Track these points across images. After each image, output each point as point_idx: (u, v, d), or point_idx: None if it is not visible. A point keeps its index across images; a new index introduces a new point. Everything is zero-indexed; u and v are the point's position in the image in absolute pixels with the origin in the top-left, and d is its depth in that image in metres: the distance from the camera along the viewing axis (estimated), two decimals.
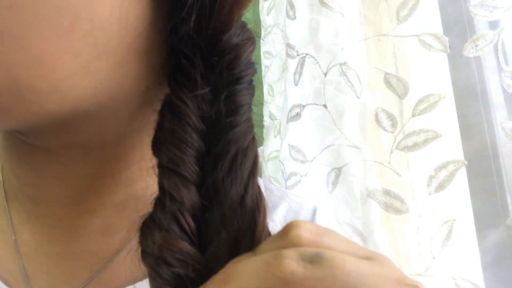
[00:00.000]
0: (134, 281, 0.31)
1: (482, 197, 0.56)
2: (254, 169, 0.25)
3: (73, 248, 0.32)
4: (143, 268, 0.32)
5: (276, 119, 1.02)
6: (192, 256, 0.23)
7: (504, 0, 0.56)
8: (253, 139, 0.26)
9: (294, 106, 0.72)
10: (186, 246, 0.23)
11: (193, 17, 0.26)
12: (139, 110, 0.30)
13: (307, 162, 0.69)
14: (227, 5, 0.26)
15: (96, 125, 0.28)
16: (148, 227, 0.24)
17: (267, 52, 1.06)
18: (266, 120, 1.08)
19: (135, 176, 0.32)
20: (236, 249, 0.22)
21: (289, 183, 0.72)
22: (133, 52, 0.26)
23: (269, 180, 0.97)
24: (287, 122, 0.73)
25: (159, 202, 0.24)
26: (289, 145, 0.72)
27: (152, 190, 0.33)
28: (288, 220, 0.25)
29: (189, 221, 0.23)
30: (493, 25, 0.60)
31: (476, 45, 0.59)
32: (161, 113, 0.27)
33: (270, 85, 1.05)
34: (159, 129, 0.26)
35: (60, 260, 0.32)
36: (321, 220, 0.37)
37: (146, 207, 0.32)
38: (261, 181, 0.30)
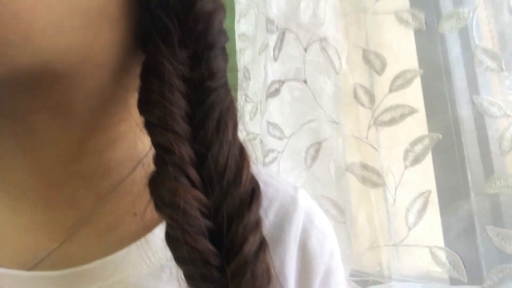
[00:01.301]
0: (103, 253, 0.31)
1: (448, 171, 0.58)
2: (236, 127, 0.28)
3: (38, 218, 0.31)
4: (110, 241, 0.32)
5: (252, 101, 1.02)
6: (204, 204, 0.25)
7: None
8: (232, 100, 0.29)
9: (273, 82, 0.71)
10: (199, 194, 0.25)
11: None
12: (111, 76, 0.29)
13: (285, 138, 0.69)
14: None
15: (64, 88, 0.27)
16: (158, 181, 0.25)
17: (242, 35, 1.05)
18: (241, 103, 1.07)
19: (102, 145, 0.32)
20: (229, 193, 0.26)
21: (267, 159, 0.72)
22: (106, 15, 0.26)
23: None
24: (266, 99, 0.73)
25: (160, 158, 0.26)
26: (267, 121, 0.72)
27: (120, 160, 0.33)
28: (267, 195, 0.31)
29: (193, 172, 0.25)
30: (457, 3, 0.62)
31: (451, 22, 0.60)
32: (143, 77, 0.28)
33: (245, 68, 1.04)
34: (145, 91, 0.27)
35: (25, 231, 0.31)
36: (302, 198, 0.37)
37: (112, 177, 0.33)
38: None
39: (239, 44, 1.07)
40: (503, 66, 0.55)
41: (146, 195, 0.26)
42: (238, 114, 0.30)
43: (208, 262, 0.25)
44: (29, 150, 0.30)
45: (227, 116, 0.27)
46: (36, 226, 0.32)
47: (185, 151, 0.26)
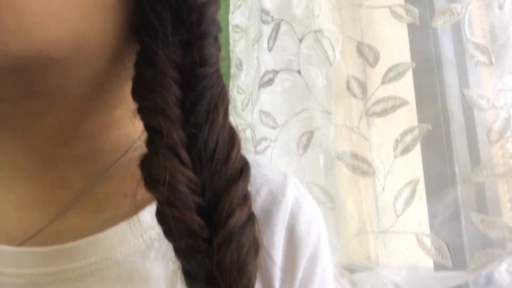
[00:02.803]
0: (92, 231, 0.31)
1: (436, 160, 0.60)
2: (227, 111, 0.29)
3: (30, 197, 0.32)
4: (99, 220, 0.33)
5: (244, 92, 1.02)
6: (193, 181, 0.26)
7: None
8: (223, 86, 0.30)
9: (267, 72, 0.72)
10: (188, 171, 0.26)
11: None
12: (106, 65, 0.30)
13: (277, 127, 0.70)
14: None
15: (58, 75, 0.28)
16: (149, 160, 0.26)
17: (236, 26, 1.06)
18: (234, 93, 1.07)
19: (95, 130, 0.33)
20: (217, 171, 0.27)
21: (259, 148, 0.72)
22: (101, 5, 0.26)
23: None
24: (259, 88, 0.73)
25: (152, 140, 0.27)
26: (260, 110, 0.73)
27: (112, 144, 0.34)
28: (256, 181, 0.33)
29: (184, 154, 0.27)
30: None
31: (444, 17, 0.62)
32: (137, 65, 0.29)
33: (238, 59, 1.04)
34: (138, 78, 0.28)
35: (15, 209, 0.32)
36: (291, 183, 0.38)
37: (104, 160, 0.34)
38: None
39: (232, 35, 1.07)
40: (493, 60, 0.57)
41: (137, 177, 0.27)
42: (230, 101, 0.31)
43: (195, 233, 0.26)
44: (23, 132, 0.31)
45: (218, 100, 0.28)
46: (28, 204, 0.32)
47: (176, 133, 0.27)
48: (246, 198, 0.28)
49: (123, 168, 0.34)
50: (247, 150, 0.94)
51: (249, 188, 0.29)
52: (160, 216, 0.26)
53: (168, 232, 0.26)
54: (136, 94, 0.28)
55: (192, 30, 0.29)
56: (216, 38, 0.31)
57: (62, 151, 0.32)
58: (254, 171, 0.36)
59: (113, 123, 0.34)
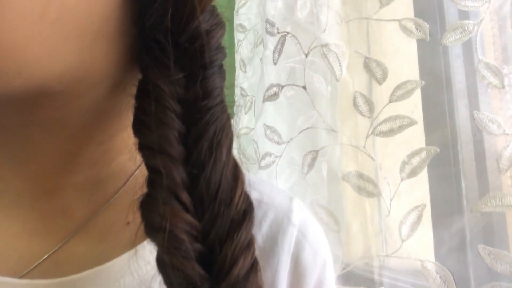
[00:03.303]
0: (94, 262, 0.31)
1: (443, 185, 0.59)
2: (231, 146, 0.28)
3: (31, 226, 0.32)
4: (102, 250, 0.32)
5: (248, 95, 1.01)
6: (194, 226, 0.25)
7: None
8: (228, 118, 0.29)
9: (271, 86, 0.70)
10: (190, 218, 0.25)
11: (164, 5, 0.26)
12: (106, 93, 0.30)
13: (282, 144, 0.69)
14: None
15: (58, 105, 0.28)
16: (149, 204, 0.26)
17: (240, 26, 1.03)
18: (237, 96, 1.06)
19: (97, 158, 0.32)
20: (220, 215, 0.26)
21: (263, 163, 0.71)
22: (102, 36, 0.26)
23: (238, 157, 0.96)
24: (263, 101, 0.72)
25: (152, 181, 0.26)
26: (264, 124, 0.71)
27: (113, 172, 0.34)
28: (262, 206, 0.32)
29: (185, 195, 0.26)
30: (463, 15, 0.61)
31: (455, 34, 0.60)
32: (138, 97, 0.28)
33: (242, 60, 1.03)
34: (139, 112, 0.27)
35: (17, 238, 0.32)
36: (297, 209, 0.37)
37: (106, 188, 0.33)
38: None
39: (237, 35, 1.05)
40: (505, 83, 0.55)
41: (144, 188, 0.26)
42: (234, 131, 0.30)
43: (195, 286, 0.25)
44: (23, 160, 0.31)
45: (221, 135, 0.27)
46: (29, 233, 0.32)
47: (177, 173, 0.26)
48: (249, 244, 0.27)
49: (125, 196, 0.34)
50: (248, 161, 0.93)
51: (252, 230, 0.28)
52: (160, 265, 0.26)
53: (168, 282, 0.25)
54: (137, 130, 0.28)
55: (195, 59, 0.28)
56: (220, 67, 0.30)
57: (63, 179, 0.32)
58: (259, 195, 0.37)
59: (115, 150, 0.33)
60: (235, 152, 0.97)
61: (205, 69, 0.28)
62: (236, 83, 1.06)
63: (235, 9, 1.04)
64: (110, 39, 0.27)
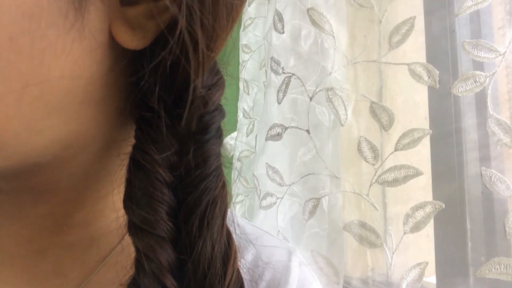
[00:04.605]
0: None
1: (448, 245, 0.57)
2: (224, 219, 0.27)
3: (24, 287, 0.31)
4: None
5: (250, 117, 0.99)
6: None
7: (500, 43, 0.54)
8: (223, 187, 0.27)
9: (275, 125, 0.68)
10: None
11: (155, 73, 0.25)
12: (96, 155, 0.29)
13: (284, 186, 0.67)
14: (191, 65, 0.25)
15: (48, 172, 0.27)
16: None
17: (245, 46, 1.01)
18: (240, 115, 1.05)
19: (89, 217, 0.32)
20: None
21: (264, 203, 0.70)
22: (88, 103, 0.25)
23: (238, 180, 0.95)
24: (266, 140, 0.70)
25: (138, 264, 0.25)
26: (267, 164, 0.70)
27: (107, 230, 0.32)
28: (258, 265, 0.30)
29: (171, 281, 0.24)
30: (478, 65, 0.58)
31: (466, 85, 0.57)
32: (129, 169, 0.26)
33: (245, 81, 1.01)
34: (129, 186, 0.26)
35: None
36: (295, 268, 0.36)
37: (100, 246, 0.32)
38: (232, 219, 0.30)
39: (242, 55, 1.03)
40: None
41: (132, 268, 0.25)
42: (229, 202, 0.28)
43: None
44: (16, 220, 0.30)
45: (213, 209, 0.26)
46: None
47: (163, 257, 0.25)
48: None
49: (119, 255, 0.32)
50: (248, 183, 0.91)
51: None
52: None
53: None
54: (126, 205, 0.26)
55: (190, 125, 0.26)
56: (218, 129, 0.28)
57: (55, 239, 0.31)
58: (257, 251, 0.35)
59: (107, 208, 0.32)
60: (235, 175, 0.96)
61: (202, 134, 0.27)
62: (238, 104, 1.05)
63: (241, 28, 1.02)
64: (97, 103, 0.25)
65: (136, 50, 0.25)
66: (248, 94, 1.00)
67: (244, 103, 1.02)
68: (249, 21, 1.00)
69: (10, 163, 0.24)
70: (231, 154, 1.01)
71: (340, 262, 0.61)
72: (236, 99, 1.05)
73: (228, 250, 0.26)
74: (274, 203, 0.68)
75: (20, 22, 0.21)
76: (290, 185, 0.66)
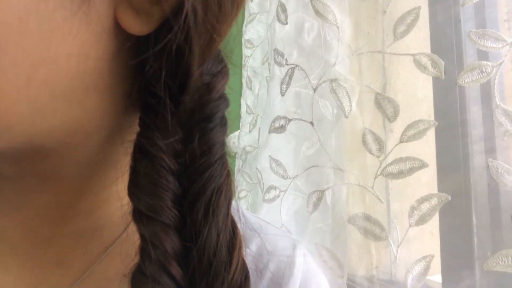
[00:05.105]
0: None
1: (454, 237, 0.56)
2: (229, 208, 0.27)
3: (27, 278, 0.31)
4: None
5: (253, 113, 0.98)
6: None
7: (507, 36, 0.53)
8: (228, 175, 0.27)
9: (278, 117, 0.68)
10: None
11: (160, 59, 0.25)
12: (102, 143, 0.29)
13: (288, 178, 0.67)
14: (196, 51, 0.25)
15: (52, 158, 0.27)
16: (139, 280, 0.25)
17: (248, 41, 1.00)
18: (243, 111, 1.04)
19: (93, 206, 0.32)
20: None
21: (268, 196, 0.69)
22: (93, 90, 0.25)
23: (241, 175, 0.94)
24: (269, 132, 0.69)
25: (143, 251, 0.25)
26: (270, 156, 0.69)
27: (110, 220, 0.32)
28: (263, 255, 0.30)
29: (176, 268, 0.24)
30: (483, 56, 0.57)
31: (472, 75, 0.56)
32: (134, 156, 0.26)
33: (248, 77, 1.00)
34: (133, 173, 0.26)
35: None
36: (300, 260, 0.36)
37: (103, 236, 0.32)
38: (236, 209, 0.30)
39: (244, 51, 1.02)
40: None
41: (137, 256, 0.25)
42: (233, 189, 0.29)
43: None
44: (19, 209, 0.31)
45: (219, 197, 0.26)
46: (24, 285, 0.31)
47: (169, 244, 0.25)
48: None
49: (123, 244, 0.32)
50: (251, 178, 0.91)
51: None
52: None
53: None
54: (130, 192, 0.26)
55: (195, 113, 0.27)
56: (222, 118, 0.28)
57: (58, 228, 0.31)
58: (261, 242, 0.35)
59: (112, 197, 0.32)
60: (237, 173, 0.95)
61: (206, 122, 0.27)
62: (241, 100, 1.04)
63: (244, 23, 1.01)
64: (103, 92, 0.26)
65: (141, 36, 0.25)
66: (250, 89, 1.00)
67: (247, 99, 1.01)
68: (251, 17, 0.99)
69: (14, 145, 0.24)
70: (235, 152, 1.01)
71: (344, 255, 0.60)
72: (238, 98, 1.05)
73: (233, 239, 0.26)
74: (278, 196, 0.68)
75: (29, 2, 0.21)
76: (293, 178, 0.66)
